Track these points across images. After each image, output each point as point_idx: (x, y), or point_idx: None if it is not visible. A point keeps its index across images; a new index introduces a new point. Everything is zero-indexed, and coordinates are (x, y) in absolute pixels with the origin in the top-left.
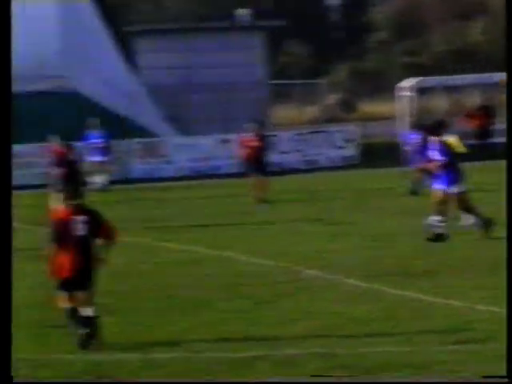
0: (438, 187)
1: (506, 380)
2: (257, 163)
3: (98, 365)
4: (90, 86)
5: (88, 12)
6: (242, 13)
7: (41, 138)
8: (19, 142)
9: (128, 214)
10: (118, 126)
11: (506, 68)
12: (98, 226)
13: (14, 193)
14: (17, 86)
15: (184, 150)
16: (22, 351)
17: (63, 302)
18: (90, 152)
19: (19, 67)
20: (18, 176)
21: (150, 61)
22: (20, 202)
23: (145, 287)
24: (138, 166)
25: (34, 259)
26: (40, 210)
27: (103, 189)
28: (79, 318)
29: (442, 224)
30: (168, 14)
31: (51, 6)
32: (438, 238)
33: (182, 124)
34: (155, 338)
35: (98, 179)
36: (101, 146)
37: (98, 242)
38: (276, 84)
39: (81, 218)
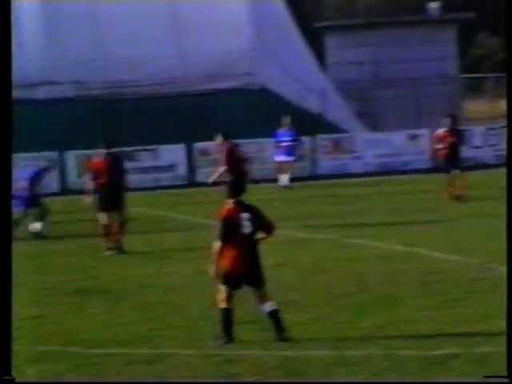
0: None
1: (506, 380)
2: (452, 159)
3: (290, 361)
4: (279, 83)
5: (278, 9)
6: (433, 6)
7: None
8: (209, 139)
9: (315, 211)
10: (308, 123)
11: (506, 67)
12: (261, 222)
13: (206, 189)
14: (203, 85)
15: (373, 146)
16: (206, 346)
17: (223, 300)
18: (277, 151)
19: (209, 65)
20: (210, 173)
21: (340, 57)
22: (209, 198)
23: (334, 284)
24: (327, 162)
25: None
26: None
27: (287, 187)
28: (228, 322)
29: None
30: (357, 8)
31: (242, 4)
32: None
33: (372, 120)
34: (347, 335)
35: (283, 178)
36: (289, 145)
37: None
38: (468, 78)
39: (246, 215)
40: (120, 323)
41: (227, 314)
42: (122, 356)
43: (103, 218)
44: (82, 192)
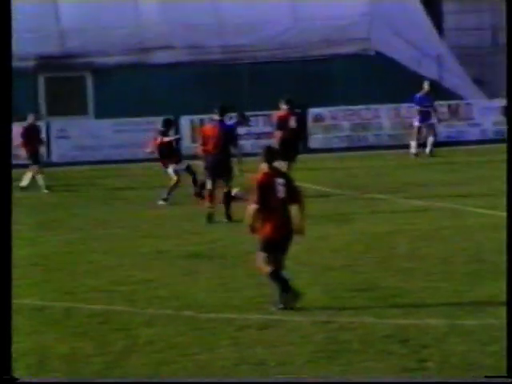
0: None
1: (507, 380)
2: None
3: (404, 329)
4: (395, 49)
5: None
6: None
7: (346, 101)
8: (326, 104)
9: (432, 178)
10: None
11: (506, 67)
12: (292, 190)
13: (318, 156)
14: (319, 50)
15: (491, 113)
16: (318, 313)
17: (265, 264)
18: (416, 115)
19: (325, 30)
20: (323, 139)
21: (458, 22)
22: (323, 164)
23: (451, 252)
24: (444, 129)
25: (336, 222)
26: (342, 173)
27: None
28: (282, 280)
29: None
30: None
31: None
32: None
33: (490, 87)
34: (462, 304)
35: (413, 144)
36: (427, 110)
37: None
38: None
39: (281, 180)
40: (233, 288)
41: (276, 274)
42: (235, 321)
43: (208, 183)
44: (195, 157)
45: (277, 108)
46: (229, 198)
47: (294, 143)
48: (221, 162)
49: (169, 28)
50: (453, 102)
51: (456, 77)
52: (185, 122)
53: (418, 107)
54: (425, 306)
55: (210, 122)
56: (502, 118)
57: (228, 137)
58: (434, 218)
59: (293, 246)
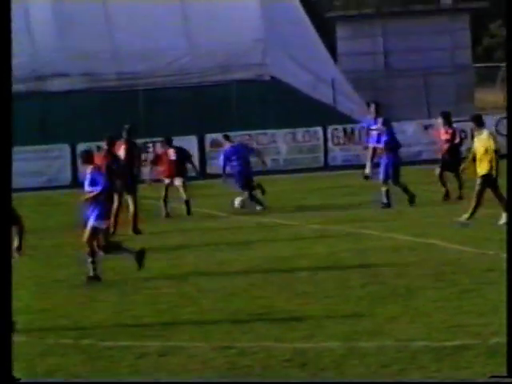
0: None
1: (507, 380)
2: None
3: (303, 353)
4: (290, 74)
5: None
6: None
7: (243, 126)
8: (222, 129)
9: (327, 202)
10: (319, 113)
11: (506, 67)
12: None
13: (214, 181)
14: (215, 76)
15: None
16: (219, 338)
17: None
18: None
19: (219, 56)
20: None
21: (351, 47)
22: (220, 190)
23: (348, 275)
24: (339, 153)
25: (236, 247)
26: None
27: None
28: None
29: None
30: None
31: None
32: None
33: (384, 110)
34: (360, 326)
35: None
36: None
37: None
38: (480, 67)
39: None
40: (132, 315)
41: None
42: (135, 348)
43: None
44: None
45: (173, 134)
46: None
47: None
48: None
49: (64, 55)
50: (348, 126)
51: (350, 101)
52: (81, 149)
53: (368, 128)
54: (323, 328)
55: (98, 152)
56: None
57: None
58: (331, 242)
59: (191, 272)
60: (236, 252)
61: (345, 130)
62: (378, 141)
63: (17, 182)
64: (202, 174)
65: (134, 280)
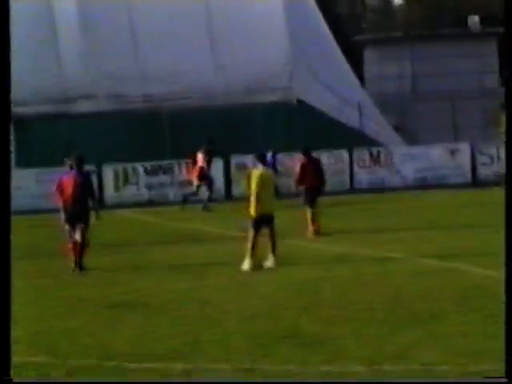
0: None
1: (505, 380)
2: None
3: (327, 376)
4: (317, 97)
5: (316, 21)
6: (474, 20)
7: (269, 149)
8: (248, 152)
9: (354, 225)
10: (346, 137)
11: (506, 67)
12: None
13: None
14: (243, 99)
15: (411, 160)
16: (242, 360)
17: None
18: None
19: (247, 79)
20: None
21: (378, 70)
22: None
23: (372, 298)
24: (365, 176)
25: (260, 269)
26: None
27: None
28: None
29: None
30: (396, 22)
31: (280, 18)
32: None
33: (410, 133)
34: (384, 350)
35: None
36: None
37: None
38: None
39: None
40: (156, 337)
41: None
42: (159, 370)
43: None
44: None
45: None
46: (82, 248)
47: None
48: (78, 212)
49: (91, 78)
50: (374, 149)
51: (376, 124)
52: (107, 170)
53: None
54: (347, 352)
55: (66, 173)
56: (423, 165)
57: (85, 187)
58: (356, 265)
59: (215, 294)
60: (260, 274)
61: (371, 153)
62: None
63: (43, 203)
64: (227, 196)
65: (158, 301)
